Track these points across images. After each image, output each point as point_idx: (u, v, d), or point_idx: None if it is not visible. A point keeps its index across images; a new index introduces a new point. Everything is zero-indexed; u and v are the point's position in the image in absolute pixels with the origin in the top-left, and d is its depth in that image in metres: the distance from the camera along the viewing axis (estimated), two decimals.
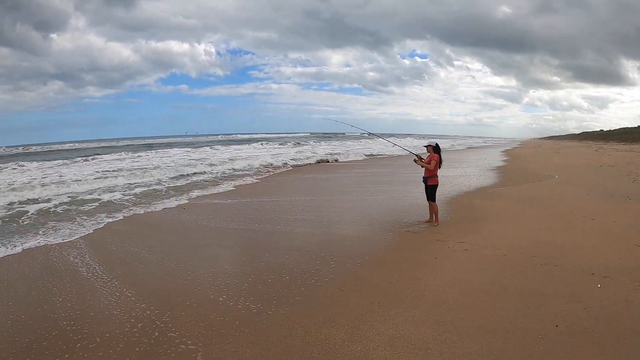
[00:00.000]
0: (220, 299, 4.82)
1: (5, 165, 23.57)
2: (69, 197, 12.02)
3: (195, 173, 18.22)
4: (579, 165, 20.76)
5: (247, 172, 19.01)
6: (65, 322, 4.30)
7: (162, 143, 54.39)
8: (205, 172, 18.74)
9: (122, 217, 9.34)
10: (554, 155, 31.19)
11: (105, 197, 12.02)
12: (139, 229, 8.39)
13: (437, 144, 8.38)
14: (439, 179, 8.30)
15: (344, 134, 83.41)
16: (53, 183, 14.66)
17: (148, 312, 4.49)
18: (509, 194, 12.05)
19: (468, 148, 50.97)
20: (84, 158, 26.67)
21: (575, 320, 4.02)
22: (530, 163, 23.56)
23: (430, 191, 8.13)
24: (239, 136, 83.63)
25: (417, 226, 7.99)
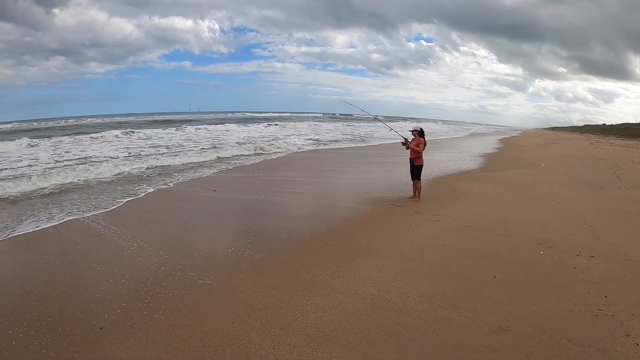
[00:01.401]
0: (230, 250, 6.02)
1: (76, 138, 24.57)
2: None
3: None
4: (569, 156, 21.88)
5: None
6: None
7: (178, 120, 54.20)
8: None
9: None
10: (550, 145, 32.32)
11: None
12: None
13: (421, 128, 9.46)
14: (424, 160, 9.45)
15: (352, 115, 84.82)
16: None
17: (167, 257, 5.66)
18: (491, 178, 13.25)
19: (470, 134, 51.99)
20: (124, 132, 27.47)
21: (511, 275, 5.18)
22: (523, 152, 24.68)
23: (417, 171, 9.25)
24: (250, 114, 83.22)
25: (401, 201, 9.19)
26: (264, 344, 3.60)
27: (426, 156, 9.61)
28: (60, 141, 22.30)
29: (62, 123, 49.19)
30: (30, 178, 10.58)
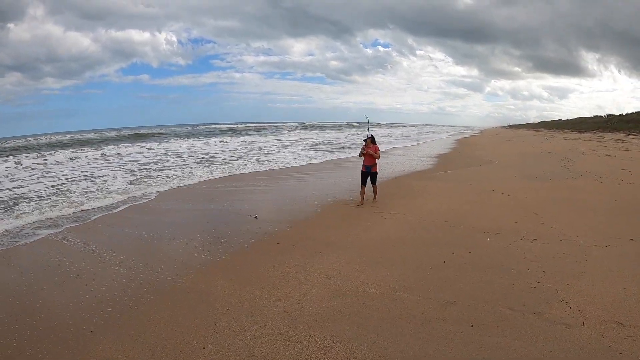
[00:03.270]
0: (203, 255, 6.47)
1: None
2: None
3: None
4: (523, 152, 23.45)
5: None
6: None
7: (155, 133, 53.57)
8: None
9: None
10: (505, 143, 34.23)
11: None
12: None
13: (372, 135, 10.07)
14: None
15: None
16: None
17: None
18: (447, 176, 14.28)
19: (424, 134, 53.77)
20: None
21: (459, 259, 5.94)
22: (479, 150, 26.19)
23: (374, 177, 9.91)
24: (229, 126, 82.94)
25: (359, 204, 9.72)
26: (243, 331, 4.11)
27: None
28: None
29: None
30: None
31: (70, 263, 6.18)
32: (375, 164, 9.91)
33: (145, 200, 10.64)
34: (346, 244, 6.79)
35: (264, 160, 20.54)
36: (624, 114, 48.64)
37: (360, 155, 9.96)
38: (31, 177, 15.53)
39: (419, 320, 4.22)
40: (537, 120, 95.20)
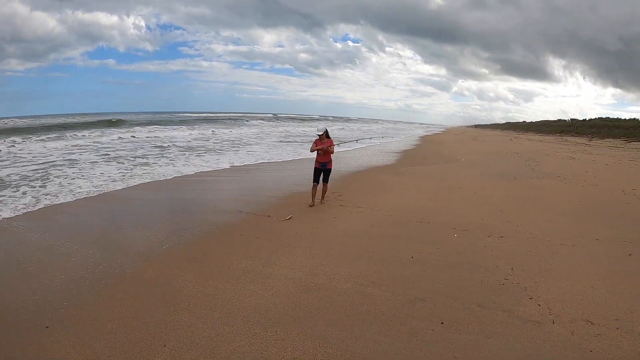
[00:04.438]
0: (164, 247, 6.21)
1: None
2: None
3: None
4: (488, 152, 24.03)
5: None
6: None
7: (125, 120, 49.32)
8: None
9: None
10: (471, 141, 35.04)
11: None
12: None
13: (326, 129, 9.10)
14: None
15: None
16: None
17: None
18: (413, 172, 14.44)
19: (401, 131, 54.36)
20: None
21: (427, 255, 5.92)
22: (445, 148, 26.77)
23: (327, 174, 9.08)
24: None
25: (326, 196, 9.52)
26: (205, 327, 3.93)
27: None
28: None
29: None
30: None
31: (24, 253, 5.81)
32: (331, 160, 9.07)
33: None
34: (312, 237, 6.68)
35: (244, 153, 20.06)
36: (587, 119, 50.94)
37: (316, 152, 9.01)
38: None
39: (387, 317, 4.15)
40: (502, 121, 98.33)
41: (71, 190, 9.77)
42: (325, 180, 9.08)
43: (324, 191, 9.19)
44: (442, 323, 4.02)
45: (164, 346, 3.62)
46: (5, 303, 4.43)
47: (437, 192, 10.46)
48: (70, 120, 52.08)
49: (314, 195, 8.98)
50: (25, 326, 3.94)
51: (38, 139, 24.09)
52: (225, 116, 76.32)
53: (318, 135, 9.00)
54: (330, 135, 9.08)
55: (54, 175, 11.77)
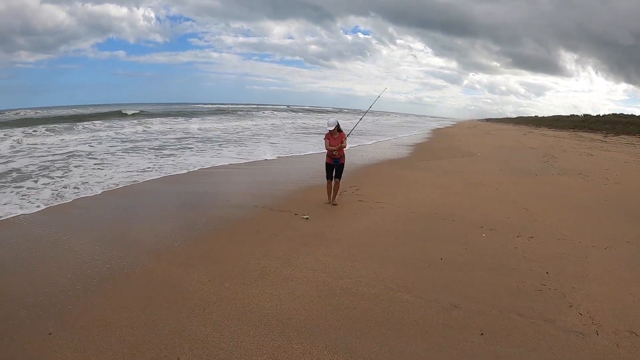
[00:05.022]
0: (176, 244, 5.97)
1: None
2: None
3: None
4: (504, 146, 23.59)
5: None
6: None
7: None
8: None
9: None
10: (484, 135, 34.59)
11: None
12: None
13: (338, 123, 8.39)
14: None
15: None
16: None
17: None
18: (429, 166, 14.13)
19: (405, 122, 54.01)
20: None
21: (456, 256, 5.62)
22: (459, 141, 26.26)
23: (342, 170, 8.53)
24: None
25: (343, 190, 9.29)
26: (223, 338, 3.62)
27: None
28: None
29: None
30: None
31: (30, 250, 5.57)
32: (344, 155, 8.51)
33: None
34: (332, 235, 6.40)
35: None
36: (600, 114, 50.18)
37: (330, 150, 8.36)
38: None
39: (422, 326, 3.85)
40: (514, 116, 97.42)
41: (86, 182, 9.65)
42: (338, 176, 8.52)
43: (337, 189, 8.61)
44: (481, 334, 3.73)
45: (178, 359, 3.36)
46: (6, 305, 4.18)
47: (457, 188, 10.16)
48: (82, 111, 51.70)
49: (330, 193, 8.56)
50: (28, 332, 3.68)
51: (49, 130, 23.67)
52: (237, 107, 75.26)
53: (329, 130, 8.30)
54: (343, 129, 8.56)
55: (73, 165, 11.83)
